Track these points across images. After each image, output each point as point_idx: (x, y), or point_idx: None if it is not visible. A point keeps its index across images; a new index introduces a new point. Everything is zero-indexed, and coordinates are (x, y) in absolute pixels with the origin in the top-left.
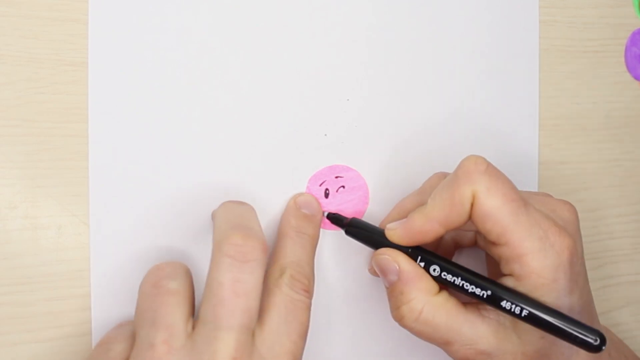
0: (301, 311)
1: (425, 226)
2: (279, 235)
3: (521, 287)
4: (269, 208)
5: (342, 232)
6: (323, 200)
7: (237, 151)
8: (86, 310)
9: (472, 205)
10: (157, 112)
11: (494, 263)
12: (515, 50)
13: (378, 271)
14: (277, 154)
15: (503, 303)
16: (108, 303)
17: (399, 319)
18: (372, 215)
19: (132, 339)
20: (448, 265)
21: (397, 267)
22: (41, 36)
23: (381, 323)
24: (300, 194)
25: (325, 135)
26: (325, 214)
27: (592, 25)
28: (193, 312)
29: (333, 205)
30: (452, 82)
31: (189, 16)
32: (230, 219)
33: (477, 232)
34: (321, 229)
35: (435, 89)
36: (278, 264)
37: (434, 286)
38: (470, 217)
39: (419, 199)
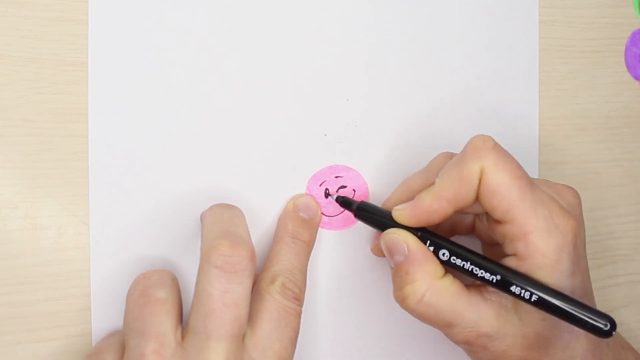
0: (292, 317)
1: (434, 205)
2: (275, 238)
3: (524, 267)
4: (269, 208)
5: (340, 232)
6: (323, 200)
7: (237, 151)
8: (86, 310)
9: (479, 181)
10: (157, 112)
11: (489, 254)
12: (515, 50)
13: (385, 250)
14: (277, 154)
15: (512, 288)
16: (108, 303)
17: (401, 299)
18: None
19: (122, 348)
20: (457, 249)
21: (406, 247)
22: (41, 36)
23: (380, 322)
24: (300, 196)
25: (325, 135)
26: (335, 196)
27: (592, 25)
28: (181, 320)
29: (333, 204)
30: (452, 82)
31: (189, 16)
32: (218, 225)
33: (478, 216)
34: (321, 229)
35: (435, 89)
36: (271, 270)
37: (440, 270)
38: (477, 196)
39: (425, 178)
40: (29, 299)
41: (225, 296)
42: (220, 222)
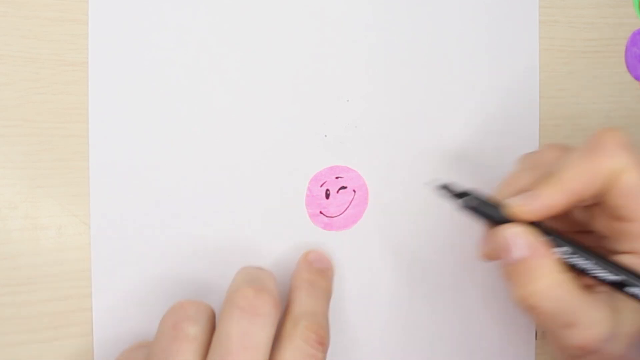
0: None
1: (557, 198)
2: (292, 289)
3: None
4: (270, 210)
5: (341, 232)
6: (323, 200)
7: (237, 152)
8: (86, 311)
9: (613, 179)
10: (157, 112)
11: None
12: (515, 50)
13: (502, 246)
14: (277, 155)
15: (630, 289)
16: (109, 303)
17: (527, 295)
18: (372, 215)
19: None
20: (576, 246)
21: (528, 242)
22: (41, 36)
23: (381, 324)
24: (311, 251)
25: (325, 136)
26: (440, 182)
27: (592, 25)
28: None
29: (333, 205)
30: (452, 82)
31: (189, 16)
32: (246, 276)
33: (588, 206)
34: (322, 230)
35: (435, 90)
36: (291, 315)
37: (560, 265)
38: (606, 191)
39: (534, 175)
40: (29, 299)
41: (245, 339)
42: (248, 274)
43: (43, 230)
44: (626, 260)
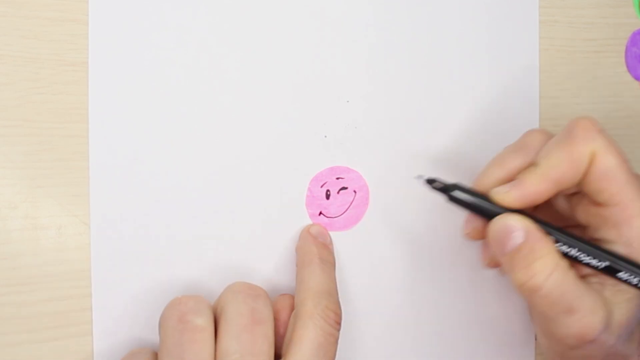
0: (331, 346)
1: (541, 186)
2: (303, 263)
3: (628, 251)
4: (270, 210)
5: (341, 233)
6: (324, 201)
7: (237, 152)
8: (87, 311)
9: (589, 163)
10: (157, 112)
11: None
12: (515, 50)
13: (499, 236)
14: (277, 156)
15: (620, 274)
16: (109, 303)
17: (527, 278)
18: (373, 215)
19: None
20: (564, 235)
21: (524, 228)
22: (41, 36)
23: (383, 324)
24: (312, 225)
25: (326, 136)
26: (426, 177)
27: (592, 25)
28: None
29: (334, 206)
30: (452, 82)
31: (189, 16)
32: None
33: (566, 196)
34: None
35: (435, 90)
36: (312, 292)
37: (557, 251)
38: (584, 176)
39: (521, 156)
40: (29, 299)
41: (255, 314)
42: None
43: (43, 230)
44: (613, 247)
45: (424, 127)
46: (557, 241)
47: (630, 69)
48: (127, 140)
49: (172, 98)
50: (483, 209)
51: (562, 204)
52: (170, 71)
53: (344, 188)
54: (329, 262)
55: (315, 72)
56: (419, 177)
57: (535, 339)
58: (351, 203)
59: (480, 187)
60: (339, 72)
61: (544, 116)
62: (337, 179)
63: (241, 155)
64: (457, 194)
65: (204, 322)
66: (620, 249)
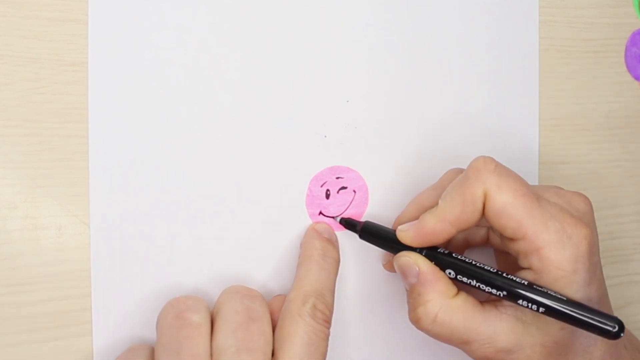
0: (322, 341)
1: (437, 227)
2: (304, 258)
3: (541, 281)
4: (270, 210)
5: (342, 233)
6: (324, 200)
7: (237, 152)
8: (86, 311)
9: (484, 203)
10: (157, 112)
11: (503, 262)
12: (515, 50)
13: (399, 273)
14: (277, 155)
15: (520, 301)
16: (108, 303)
17: (415, 321)
18: (373, 215)
19: None
20: (463, 266)
21: (417, 269)
22: (41, 36)
23: (382, 324)
24: (317, 223)
25: (326, 136)
26: (338, 218)
27: (592, 25)
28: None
29: (334, 205)
30: (452, 82)
31: (189, 16)
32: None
33: (492, 230)
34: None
35: (435, 90)
36: (302, 290)
37: (452, 288)
38: (482, 216)
39: (435, 195)
40: (29, 299)
41: (251, 312)
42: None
43: (43, 230)
44: (525, 275)
45: (424, 127)
46: (457, 273)
47: (630, 69)
48: (127, 140)
49: (172, 98)
50: (390, 246)
51: (493, 239)
52: (170, 71)
53: (343, 188)
54: (331, 257)
55: (315, 72)
56: (336, 217)
57: None
58: (351, 203)
59: (397, 224)
60: (339, 72)
61: (544, 116)
62: (337, 178)
63: (241, 155)
64: (366, 232)
65: (201, 319)
66: (533, 277)
